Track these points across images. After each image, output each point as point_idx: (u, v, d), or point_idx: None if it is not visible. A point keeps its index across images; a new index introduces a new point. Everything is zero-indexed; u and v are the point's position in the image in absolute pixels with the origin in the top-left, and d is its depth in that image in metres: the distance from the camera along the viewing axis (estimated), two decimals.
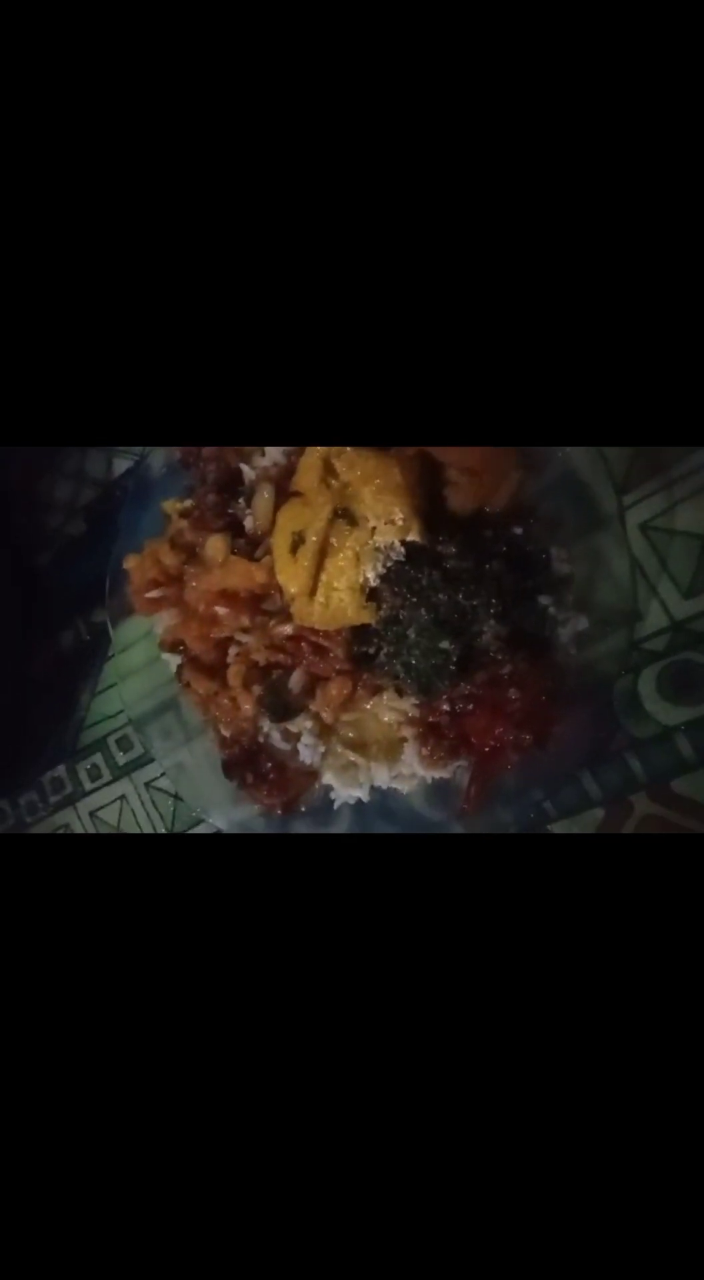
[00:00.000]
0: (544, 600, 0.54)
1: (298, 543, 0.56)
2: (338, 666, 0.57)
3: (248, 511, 0.61)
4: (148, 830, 0.80)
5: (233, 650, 0.61)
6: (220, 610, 0.59)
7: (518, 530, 0.56)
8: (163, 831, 0.79)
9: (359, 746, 0.60)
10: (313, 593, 0.55)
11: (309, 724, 0.59)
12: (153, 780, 0.80)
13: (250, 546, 0.61)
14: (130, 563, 0.67)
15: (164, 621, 0.65)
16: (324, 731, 0.60)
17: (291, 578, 0.56)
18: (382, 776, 0.59)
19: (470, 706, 0.55)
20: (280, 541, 0.57)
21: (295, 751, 0.61)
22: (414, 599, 0.54)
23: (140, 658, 0.74)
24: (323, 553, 0.55)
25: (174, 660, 0.66)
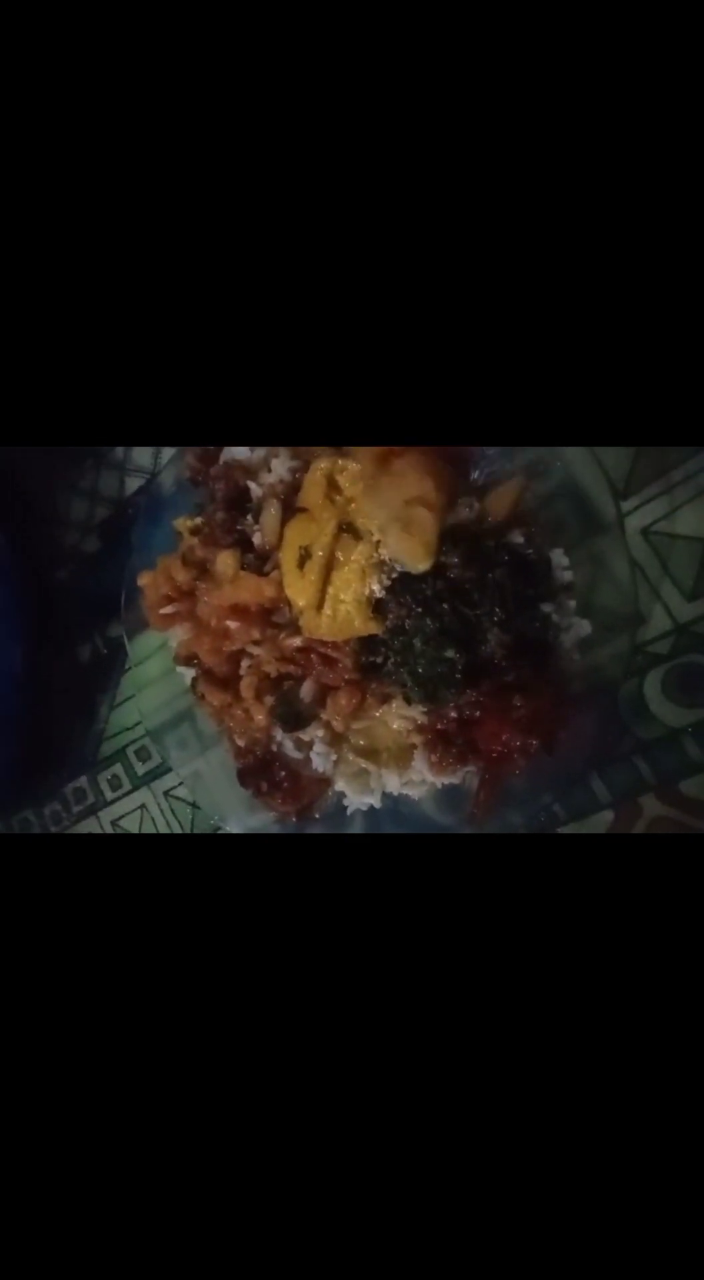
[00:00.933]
0: (547, 607, 0.55)
1: (304, 557, 0.57)
2: (347, 676, 0.59)
3: (256, 528, 0.63)
4: None
5: (245, 663, 0.62)
6: (232, 624, 0.61)
7: (519, 539, 0.57)
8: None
9: (370, 754, 0.61)
10: (320, 606, 0.57)
11: (321, 733, 0.61)
12: (171, 789, 0.82)
13: (259, 561, 0.62)
14: (144, 579, 0.69)
15: (178, 636, 0.67)
16: (335, 740, 0.61)
17: (299, 592, 0.57)
18: (392, 783, 0.61)
19: (477, 713, 0.56)
20: (288, 557, 0.58)
21: (308, 760, 0.62)
22: (419, 609, 0.55)
23: (156, 670, 0.76)
24: (329, 567, 0.56)
25: (189, 673, 0.68)
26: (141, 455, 0.88)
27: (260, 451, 0.65)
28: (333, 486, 0.58)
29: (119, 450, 0.90)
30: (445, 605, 0.55)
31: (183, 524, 0.69)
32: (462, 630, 0.55)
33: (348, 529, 0.57)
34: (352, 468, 0.57)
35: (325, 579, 0.57)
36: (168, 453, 0.84)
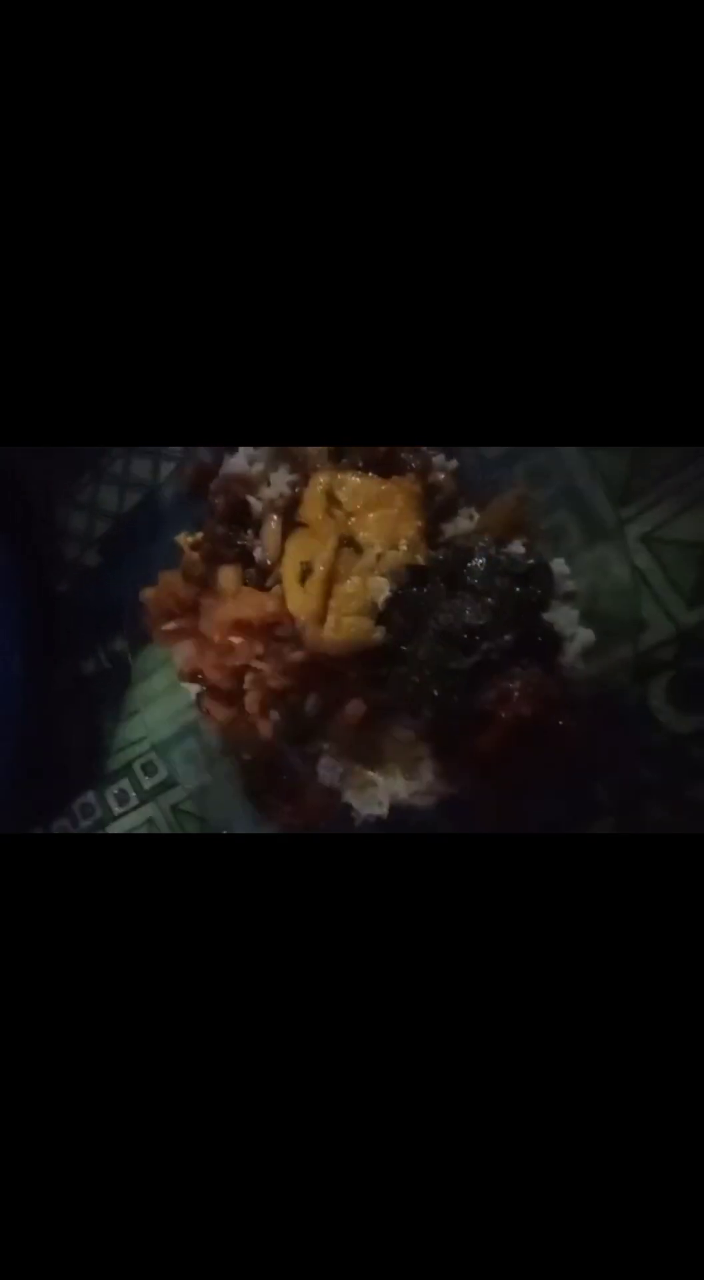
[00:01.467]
0: (549, 616, 0.56)
1: (306, 572, 0.57)
2: (351, 689, 0.59)
3: (257, 542, 0.63)
4: None
5: (249, 678, 0.62)
6: (235, 640, 0.61)
7: (520, 548, 0.57)
8: None
9: (376, 765, 0.61)
10: (323, 620, 0.57)
11: (326, 745, 0.61)
12: (178, 803, 0.82)
13: (261, 576, 0.63)
14: (146, 595, 0.69)
15: (181, 652, 0.68)
16: (342, 752, 0.62)
17: (302, 606, 0.58)
18: (400, 793, 0.61)
19: (483, 722, 0.56)
20: (289, 572, 0.59)
21: (314, 773, 0.62)
22: (422, 620, 0.56)
23: (160, 684, 0.76)
24: (331, 581, 0.57)
25: (193, 688, 0.68)
26: (140, 469, 0.88)
27: (259, 465, 0.65)
28: (333, 501, 0.58)
29: (117, 464, 0.91)
30: (449, 615, 0.55)
31: (183, 540, 0.69)
32: (465, 640, 0.55)
33: (348, 543, 0.57)
34: (351, 482, 0.58)
35: (327, 593, 0.57)
36: (166, 467, 0.85)
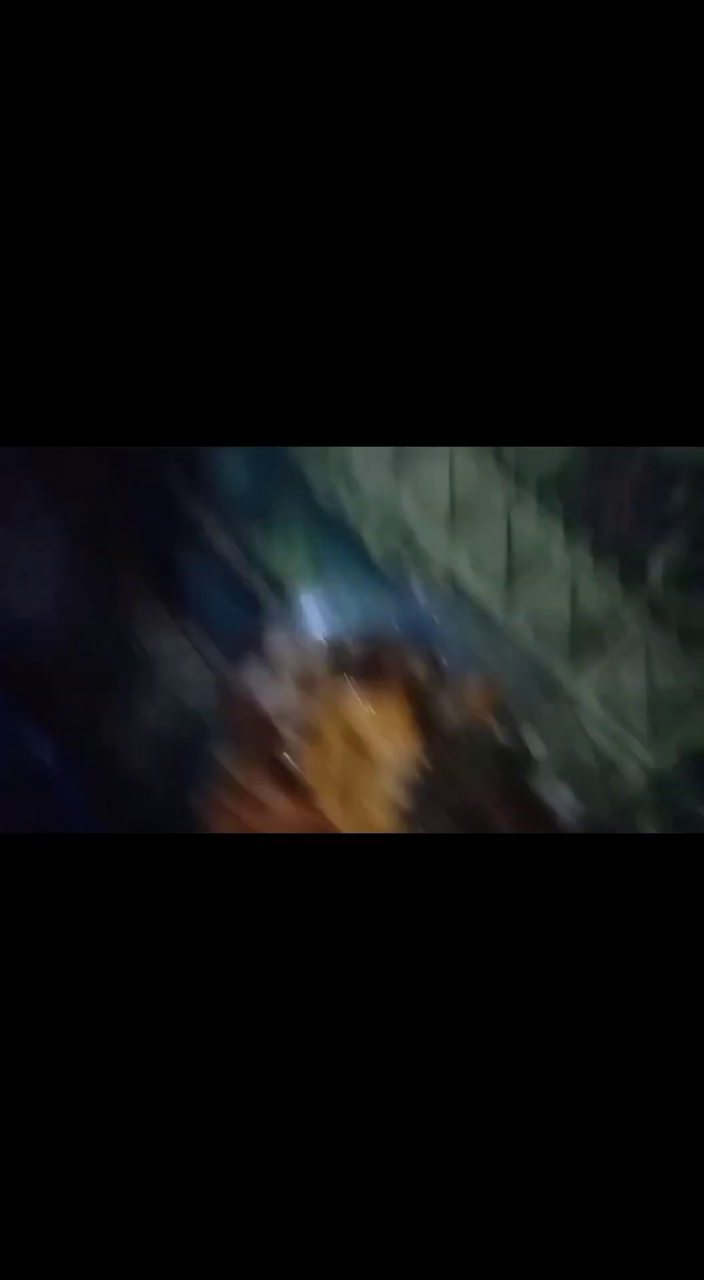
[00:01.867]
0: (534, 783, 0.66)
1: (337, 787, 0.70)
2: None
3: (291, 759, 0.75)
4: None
5: None
6: None
7: (497, 726, 0.69)
8: None
9: None
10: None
11: None
12: None
13: (297, 789, 0.74)
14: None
15: None
16: None
17: (340, 820, 0.70)
18: None
19: None
20: (323, 789, 0.72)
21: None
22: (431, 805, 0.67)
23: None
24: (358, 793, 0.69)
25: None
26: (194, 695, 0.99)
27: (281, 693, 0.78)
28: (345, 730, 0.71)
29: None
30: (453, 799, 0.66)
31: (225, 760, 0.79)
32: (466, 817, 0.66)
33: (363, 754, 0.70)
34: (357, 706, 0.71)
35: (356, 803, 0.69)
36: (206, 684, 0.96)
